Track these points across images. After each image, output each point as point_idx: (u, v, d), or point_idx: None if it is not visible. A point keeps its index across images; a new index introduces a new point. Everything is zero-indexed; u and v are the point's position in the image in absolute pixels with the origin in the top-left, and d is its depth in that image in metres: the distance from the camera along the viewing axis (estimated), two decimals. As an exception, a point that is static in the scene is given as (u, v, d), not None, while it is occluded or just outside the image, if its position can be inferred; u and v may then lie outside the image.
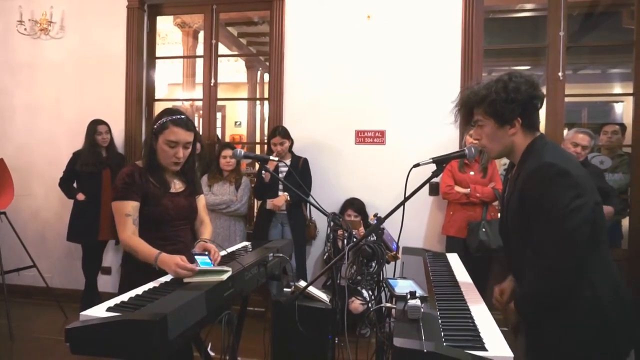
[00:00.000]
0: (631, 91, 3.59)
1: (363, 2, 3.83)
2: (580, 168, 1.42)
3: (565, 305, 1.36)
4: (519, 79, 1.43)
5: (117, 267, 4.29)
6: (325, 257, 3.71)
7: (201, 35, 6.33)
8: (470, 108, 1.51)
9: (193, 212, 2.07)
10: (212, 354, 2.98)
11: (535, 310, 1.41)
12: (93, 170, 3.90)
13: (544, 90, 1.61)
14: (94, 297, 3.98)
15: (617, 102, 6.47)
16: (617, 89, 6.47)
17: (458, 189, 3.40)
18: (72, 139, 4.15)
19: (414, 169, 1.57)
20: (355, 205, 3.71)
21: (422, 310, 1.31)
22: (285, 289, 2.04)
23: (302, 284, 1.94)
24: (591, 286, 1.35)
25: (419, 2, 3.75)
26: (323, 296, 2.02)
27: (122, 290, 1.73)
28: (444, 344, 1.19)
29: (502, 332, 1.31)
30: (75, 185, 3.99)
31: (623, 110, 6.38)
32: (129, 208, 1.88)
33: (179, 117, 1.92)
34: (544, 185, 1.34)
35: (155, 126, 1.92)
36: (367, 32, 3.84)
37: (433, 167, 1.60)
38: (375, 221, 1.82)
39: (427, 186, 3.84)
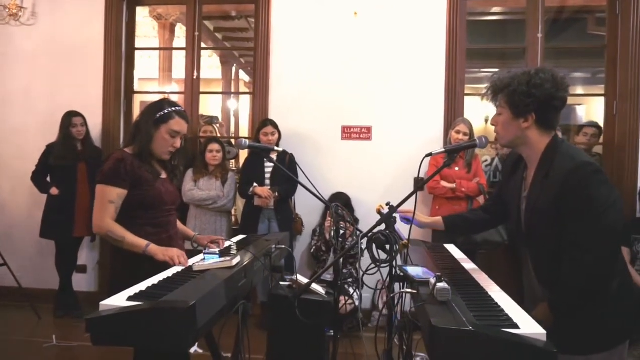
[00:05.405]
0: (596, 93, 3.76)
1: (350, -2, 3.86)
2: None
3: (599, 295, 1.42)
4: (546, 76, 1.43)
5: (93, 265, 4.12)
6: (312, 250, 3.72)
7: (177, 28, 6.20)
8: (495, 93, 1.54)
9: (179, 197, 2.18)
10: (200, 351, 2.92)
11: (574, 304, 1.43)
12: (68, 164, 3.74)
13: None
14: (69, 297, 3.81)
15: (578, 104, 6.82)
16: (579, 92, 6.82)
17: (444, 184, 3.48)
18: (43, 131, 3.95)
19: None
20: (341, 199, 3.72)
21: (450, 292, 1.34)
22: (280, 283, 2.03)
23: (299, 277, 1.95)
24: (620, 274, 1.44)
25: (406, 0, 3.82)
26: (319, 289, 2.03)
27: (116, 283, 1.71)
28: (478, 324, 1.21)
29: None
30: (48, 179, 3.81)
31: (585, 112, 6.74)
32: (114, 195, 1.87)
33: (181, 108, 2.01)
34: (585, 184, 1.38)
35: (158, 115, 1.94)
36: (354, 29, 3.87)
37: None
38: (387, 210, 1.86)
39: (412, 181, 3.83)
